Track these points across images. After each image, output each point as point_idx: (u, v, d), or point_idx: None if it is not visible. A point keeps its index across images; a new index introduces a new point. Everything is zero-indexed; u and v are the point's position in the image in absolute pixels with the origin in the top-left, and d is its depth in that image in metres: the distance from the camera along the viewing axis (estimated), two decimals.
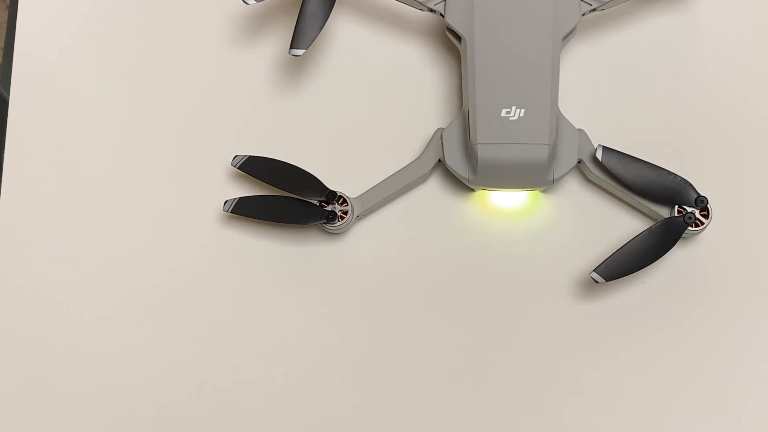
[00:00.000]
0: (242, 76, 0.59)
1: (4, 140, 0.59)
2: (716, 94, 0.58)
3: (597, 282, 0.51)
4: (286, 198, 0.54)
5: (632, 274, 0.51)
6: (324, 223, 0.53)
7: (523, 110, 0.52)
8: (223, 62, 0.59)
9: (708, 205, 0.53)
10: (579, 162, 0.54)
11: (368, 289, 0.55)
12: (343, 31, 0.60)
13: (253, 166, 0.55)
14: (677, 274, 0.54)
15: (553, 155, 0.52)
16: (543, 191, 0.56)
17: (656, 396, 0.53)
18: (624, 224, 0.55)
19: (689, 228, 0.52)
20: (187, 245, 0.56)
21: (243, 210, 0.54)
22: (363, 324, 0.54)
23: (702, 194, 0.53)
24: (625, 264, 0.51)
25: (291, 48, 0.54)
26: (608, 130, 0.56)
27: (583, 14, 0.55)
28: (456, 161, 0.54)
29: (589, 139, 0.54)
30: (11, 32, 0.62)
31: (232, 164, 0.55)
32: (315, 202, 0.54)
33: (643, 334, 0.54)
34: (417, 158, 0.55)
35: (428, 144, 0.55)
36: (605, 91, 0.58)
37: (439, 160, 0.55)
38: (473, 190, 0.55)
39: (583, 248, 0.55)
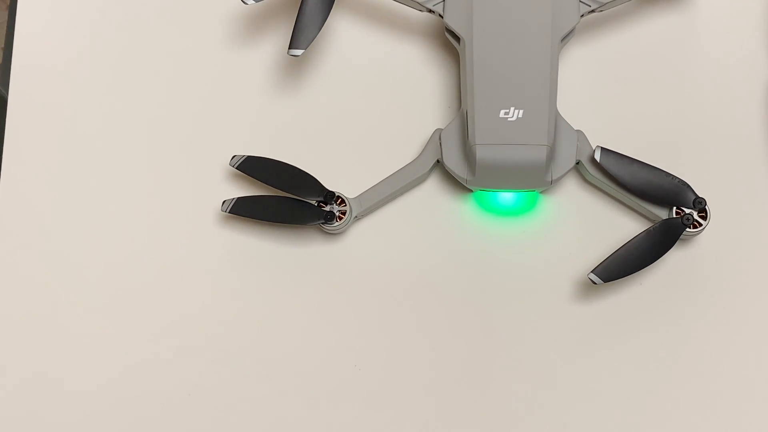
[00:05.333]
0: (241, 76, 0.59)
1: (3, 140, 0.59)
2: (715, 95, 0.58)
3: (595, 283, 0.51)
4: (284, 198, 0.54)
5: (630, 276, 0.51)
6: (322, 223, 0.53)
7: (521, 111, 0.52)
8: (221, 62, 0.59)
9: (706, 207, 0.53)
10: (577, 163, 0.54)
11: (366, 289, 0.55)
12: (342, 31, 0.60)
13: (251, 166, 0.55)
14: (675, 276, 0.54)
15: (551, 156, 0.52)
16: (541, 192, 0.56)
17: (655, 397, 0.53)
18: (622, 225, 0.55)
19: (687, 229, 0.52)
20: (185, 245, 0.56)
21: (241, 210, 0.54)
22: (361, 324, 0.54)
23: (700, 196, 0.52)
24: (623, 265, 0.51)
25: (290, 48, 0.54)
26: (607, 131, 0.55)
27: (582, 15, 0.55)
28: (454, 162, 0.54)
29: (587, 140, 0.54)
30: (11, 32, 0.62)
31: (230, 164, 0.55)
32: (313, 202, 0.54)
33: (641, 335, 0.53)
34: (415, 159, 0.55)
35: (427, 144, 0.55)
36: (604, 92, 0.58)
37: (438, 161, 0.55)
38: (471, 191, 0.55)
39: (581, 249, 0.54)
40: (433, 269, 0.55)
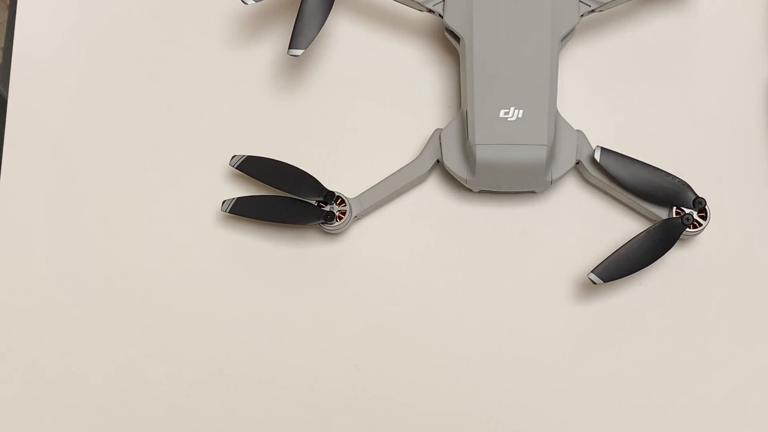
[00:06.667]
0: (241, 75, 0.59)
1: (3, 139, 0.59)
2: (715, 95, 0.58)
3: (595, 283, 0.51)
4: (284, 198, 0.54)
5: (630, 276, 0.51)
6: (322, 223, 0.53)
7: (521, 111, 0.52)
8: (221, 62, 0.59)
9: (706, 207, 0.53)
10: (577, 163, 0.54)
11: (366, 289, 0.55)
12: (342, 31, 0.60)
13: (251, 166, 0.55)
14: (675, 276, 0.54)
15: (551, 156, 0.52)
16: (541, 192, 0.56)
17: (655, 397, 0.53)
18: (622, 225, 0.55)
19: (687, 229, 0.52)
20: (185, 245, 0.56)
21: (241, 210, 0.54)
22: (361, 324, 0.54)
23: (700, 196, 0.53)
24: (623, 265, 0.51)
25: (290, 48, 0.54)
26: (607, 131, 0.56)
27: (582, 15, 0.55)
28: (454, 162, 0.54)
29: (587, 140, 0.54)
30: (11, 32, 0.62)
31: (230, 164, 0.55)
32: (313, 202, 0.54)
33: (641, 335, 0.54)
34: (415, 159, 0.55)
35: (426, 144, 0.55)
36: (604, 92, 0.58)
37: (438, 161, 0.55)
38: (471, 191, 0.55)
39: (581, 249, 0.54)
40: (432, 269, 0.55)
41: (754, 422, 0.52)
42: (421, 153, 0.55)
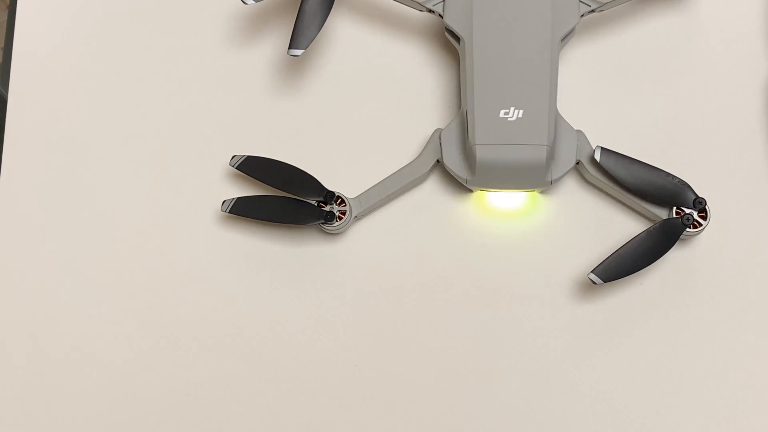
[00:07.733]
0: (241, 75, 0.59)
1: (3, 139, 0.59)
2: (715, 95, 0.58)
3: (595, 283, 0.51)
4: (284, 198, 0.54)
5: (631, 276, 0.51)
6: (322, 223, 0.53)
7: (521, 111, 0.52)
8: (221, 62, 0.59)
9: (706, 207, 0.53)
10: (577, 163, 0.54)
11: (366, 289, 0.55)
12: (342, 31, 0.60)
13: (251, 166, 0.55)
14: (675, 276, 0.54)
15: (551, 156, 0.52)
16: (541, 192, 0.56)
17: (655, 397, 0.53)
18: (622, 225, 0.55)
19: (687, 229, 0.52)
20: (185, 245, 0.56)
21: (241, 210, 0.54)
22: (361, 324, 0.54)
23: (700, 196, 0.53)
24: (623, 265, 0.51)
25: (290, 48, 0.54)
26: (607, 131, 0.56)
27: (582, 15, 0.55)
28: (454, 162, 0.54)
29: (587, 140, 0.54)
30: (11, 32, 0.62)
31: (230, 164, 0.55)
32: (313, 202, 0.54)
33: (641, 335, 0.53)
34: (415, 159, 0.55)
35: (426, 144, 0.55)
36: (604, 92, 0.58)
37: (438, 161, 0.55)
38: (471, 191, 0.55)
39: (581, 249, 0.54)
40: (432, 269, 0.55)
41: (754, 422, 0.52)
42: (421, 153, 0.55)
